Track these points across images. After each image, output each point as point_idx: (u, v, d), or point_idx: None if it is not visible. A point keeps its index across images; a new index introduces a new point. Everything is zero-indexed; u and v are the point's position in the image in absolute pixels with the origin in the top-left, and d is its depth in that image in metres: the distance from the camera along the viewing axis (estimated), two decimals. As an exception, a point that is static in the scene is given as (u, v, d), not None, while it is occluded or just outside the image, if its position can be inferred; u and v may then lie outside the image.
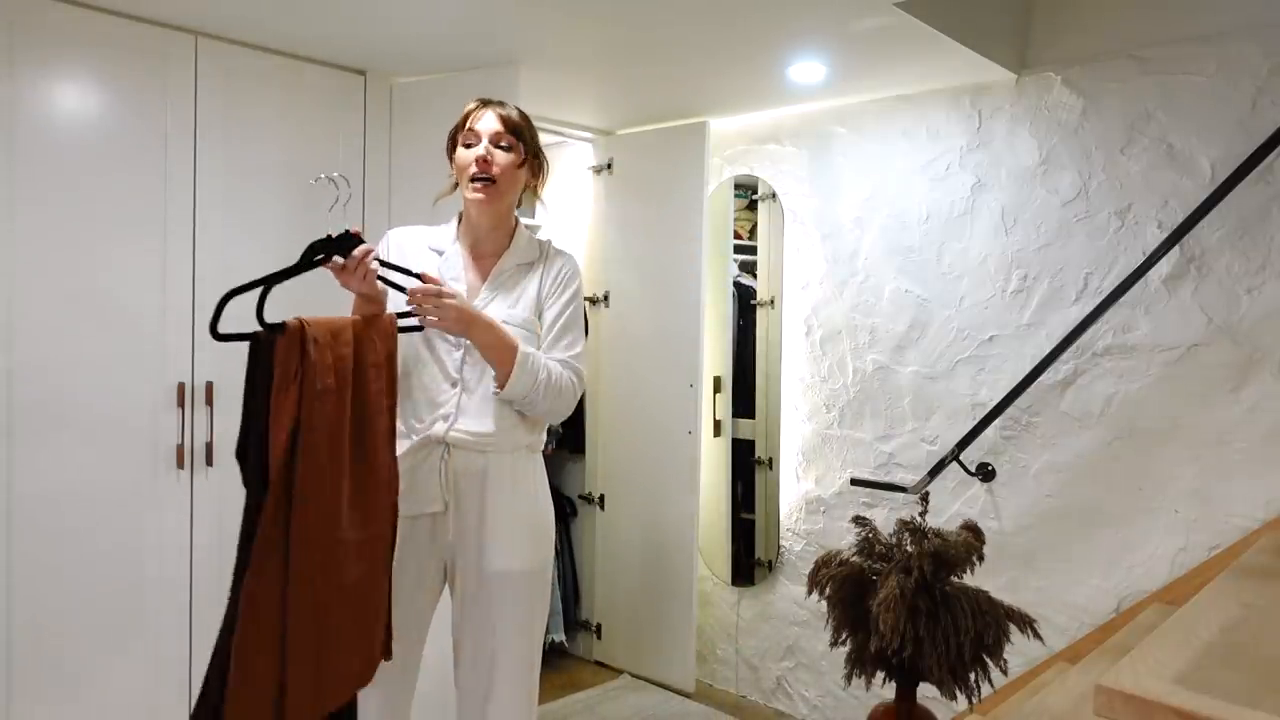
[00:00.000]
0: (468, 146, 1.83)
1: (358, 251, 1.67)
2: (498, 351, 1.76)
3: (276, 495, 1.47)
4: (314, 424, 1.52)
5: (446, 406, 1.81)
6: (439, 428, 1.80)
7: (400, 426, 1.81)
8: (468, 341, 1.80)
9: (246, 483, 1.50)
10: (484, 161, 1.80)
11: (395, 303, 1.78)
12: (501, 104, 1.86)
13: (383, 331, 1.70)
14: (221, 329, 1.55)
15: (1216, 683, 1.32)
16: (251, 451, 1.49)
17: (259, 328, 1.54)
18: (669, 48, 2.59)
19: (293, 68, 2.63)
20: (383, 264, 1.74)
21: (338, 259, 1.67)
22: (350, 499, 1.59)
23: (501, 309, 1.84)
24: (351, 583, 1.58)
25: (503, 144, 1.82)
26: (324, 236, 1.67)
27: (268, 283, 1.63)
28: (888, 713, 2.22)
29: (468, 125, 1.83)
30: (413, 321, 1.77)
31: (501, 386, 1.78)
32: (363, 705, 1.80)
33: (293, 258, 1.76)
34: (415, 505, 1.81)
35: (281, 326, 1.54)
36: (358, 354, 1.63)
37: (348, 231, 1.67)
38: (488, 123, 1.82)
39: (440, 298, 1.69)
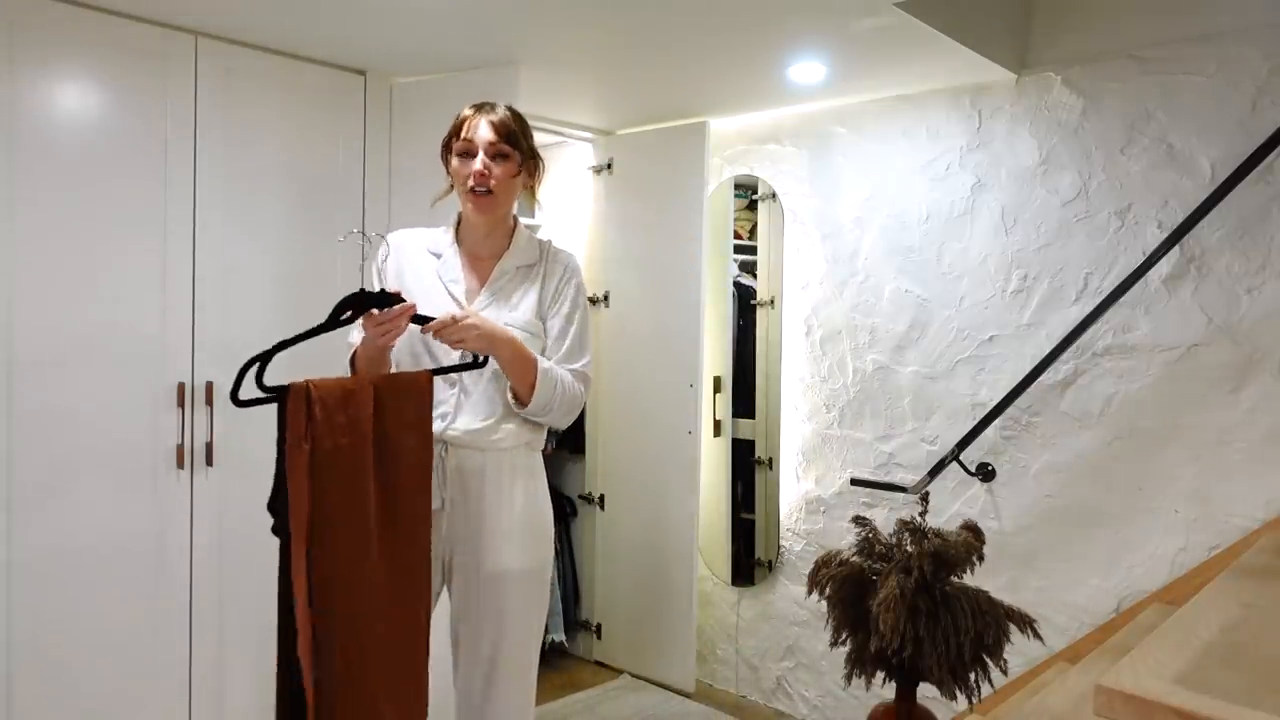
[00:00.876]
0: (463, 156, 1.82)
1: (400, 308, 1.66)
2: (519, 365, 1.77)
3: (304, 550, 1.50)
4: (327, 484, 1.54)
5: (445, 406, 1.82)
6: (436, 426, 1.80)
7: None
8: None
9: (276, 531, 1.52)
10: (481, 175, 1.80)
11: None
12: (494, 109, 1.84)
13: (416, 388, 1.70)
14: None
15: (1216, 683, 1.32)
16: (280, 505, 1.52)
17: (264, 388, 1.55)
18: (669, 48, 2.59)
19: (293, 68, 2.63)
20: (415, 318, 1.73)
21: (375, 311, 1.66)
22: (380, 555, 1.60)
23: (503, 312, 1.84)
24: (380, 635, 1.60)
25: (498, 153, 1.81)
26: (358, 291, 1.64)
27: (298, 340, 1.60)
28: (888, 713, 2.22)
29: (462, 134, 1.82)
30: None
31: (525, 401, 1.78)
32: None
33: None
34: None
35: (285, 389, 1.53)
36: (379, 414, 1.63)
37: (385, 292, 1.67)
38: (483, 133, 1.80)
39: (456, 324, 1.69)
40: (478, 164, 1.79)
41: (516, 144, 1.83)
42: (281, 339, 1.58)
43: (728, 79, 2.89)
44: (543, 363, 1.80)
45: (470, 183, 1.80)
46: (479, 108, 1.84)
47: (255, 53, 2.55)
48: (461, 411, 1.81)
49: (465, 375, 1.83)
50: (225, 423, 2.48)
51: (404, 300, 1.68)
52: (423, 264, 1.88)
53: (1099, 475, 2.57)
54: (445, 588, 1.89)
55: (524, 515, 1.86)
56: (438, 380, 1.83)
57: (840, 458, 3.15)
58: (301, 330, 1.62)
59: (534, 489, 1.90)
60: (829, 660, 3.07)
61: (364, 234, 1.80)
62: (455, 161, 1.84)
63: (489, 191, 1.81)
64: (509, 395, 1.82)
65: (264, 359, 1.54)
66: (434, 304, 1.82)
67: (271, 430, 1.52)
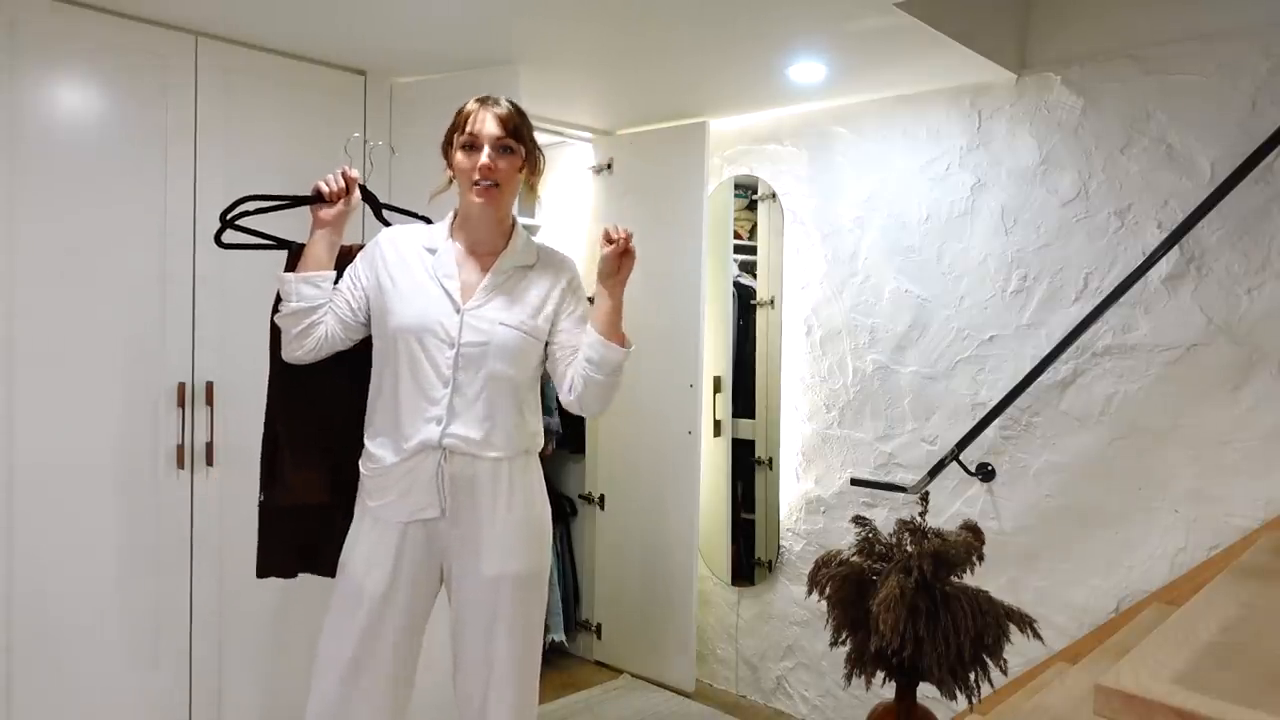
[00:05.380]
0: (467, 148, 1.80)
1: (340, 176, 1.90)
2: (619, 316, 1.85)
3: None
4: None
5: (438, 407, 1.79)
6: (432, 431, 1.78)
7: (394, 429, 1.81)
8: (461, 340, 1.79)
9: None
10: (488, 169, 1.78)
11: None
12: (498, 102, 1.83)
13: None
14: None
15: (1216, 683, 1.32)
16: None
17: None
18: (669, 48, 2.58)
19: (293, 68, 2.63)
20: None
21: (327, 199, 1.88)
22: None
23: (499, 311, 1.83)
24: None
25: (504, 147, 1.80)
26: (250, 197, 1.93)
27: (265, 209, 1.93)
28: (888, 713, 2.22)
29: (467, 128, 1.80)
30: None
31: (623, 345, 1.84)
32: (362, 709, 1.80)
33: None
34: (411, 510, 1.80)
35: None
36: None
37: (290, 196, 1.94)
38: (489, 127, 1.79)
39: (628, 245, 1.81)
40: (484, 158, 1.78)
41: (520, 138, 1.83)
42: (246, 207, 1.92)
43: (728, 79, 2.89)
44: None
45: (475, 176, 1.79)
46: (483, 101, 1.83)
47: (255, 53, 2.55)
48: (455, 416, 1.79)
49: (460, 378, 1.79)
50: (225, 423, 2.48)
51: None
52: (416, 259, 1.86)
53: (1099, 475, 2.57)
54: (445, 592, 1.89)
55: (522, 520, 1.85)
56: (429, 380, 1.80)
57: (840, 458, 3.15)
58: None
59: (532, 493, 1.89)
60: (829, 660, 3.07)
61: (366, 139, 1.94)
62: (459, 155, 1.81)
63: (494, 185, 1.80)
64: (600, 342, 1.82)
65: (235, 214, 1.92)
66: (427, 298, 1.82)
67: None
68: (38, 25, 2.18)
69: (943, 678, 2.02)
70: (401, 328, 1.80)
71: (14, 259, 2.16)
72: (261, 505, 2.00)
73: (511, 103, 1.85)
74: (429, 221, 2.02)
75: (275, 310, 1.89)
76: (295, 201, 1.91)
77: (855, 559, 2.25)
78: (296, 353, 1.86)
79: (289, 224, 2.03)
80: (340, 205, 1.89)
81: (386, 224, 2.03)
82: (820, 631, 2.92)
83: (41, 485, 2.21)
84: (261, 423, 1.99)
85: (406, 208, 2.15)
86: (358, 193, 1.94)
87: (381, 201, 2.11)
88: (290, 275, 1.86)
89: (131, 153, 2.34)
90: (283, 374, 1.95)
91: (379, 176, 2.79)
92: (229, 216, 1.93)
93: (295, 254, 1.94)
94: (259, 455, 1.99)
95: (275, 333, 1.92)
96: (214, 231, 1.94)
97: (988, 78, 2.75)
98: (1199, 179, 2.41)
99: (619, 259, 1.81)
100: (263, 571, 2.03)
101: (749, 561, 3.48)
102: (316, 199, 1.88)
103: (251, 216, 1.95)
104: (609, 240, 1.81)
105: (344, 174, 1.90)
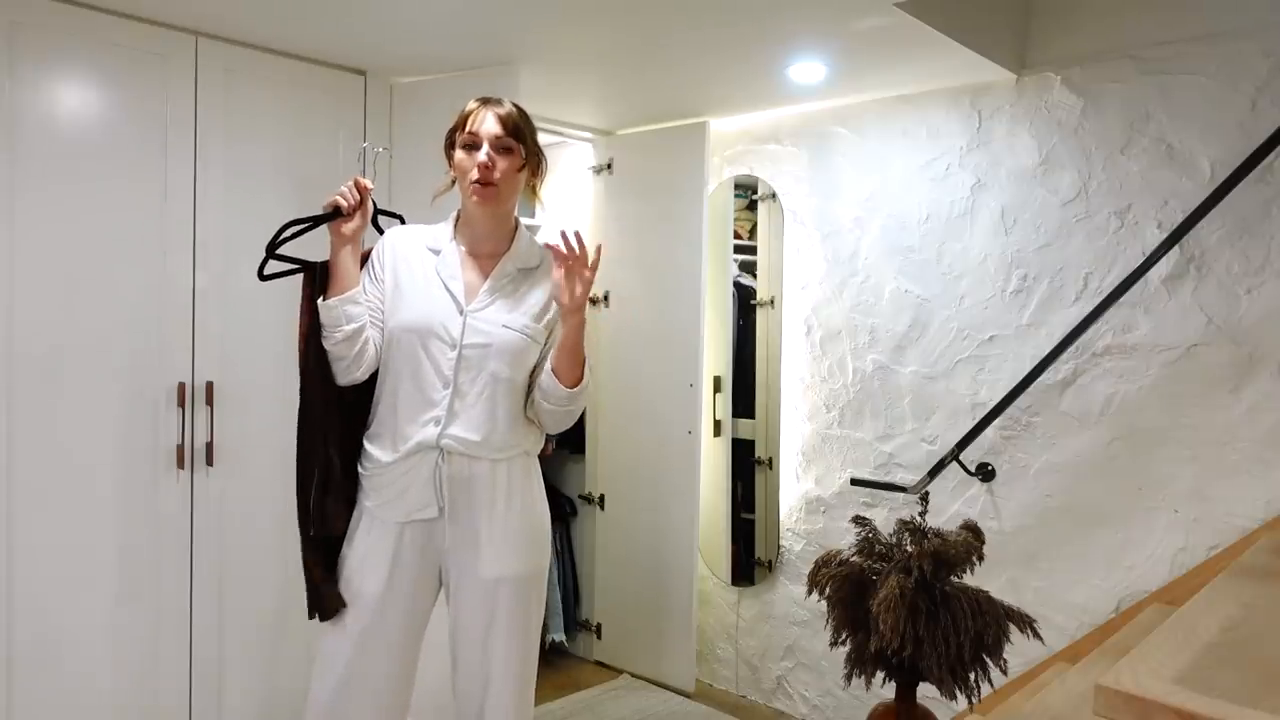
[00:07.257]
0: (468, 148, 1.79)
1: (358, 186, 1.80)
2: (578, 351, 1.79)
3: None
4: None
5: (438, 409, 1.78)
6: (430, 432, 1.78)
7: (392, 429, 1.81)
8: (464, 342, 1.79)
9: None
10: (486, 167, 1.77)
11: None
12: (500, 103, 1.82)
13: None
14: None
15: (1216, 683, 1.32)
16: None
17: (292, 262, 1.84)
18: (669, 48, 2.59)
19: (293, 68, 2.63)
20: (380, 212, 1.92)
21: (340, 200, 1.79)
22: None
23: (501, 313, 1.82)
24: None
25: (503, 147, 1.79)
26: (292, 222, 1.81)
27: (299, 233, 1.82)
28: (888, 713, 2.22)
29: (467, 127, 1.80)
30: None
31: (574, 384, 1.80)
32: (361, 710, 1.80)
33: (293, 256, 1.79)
34: (409, 511, 1.80)
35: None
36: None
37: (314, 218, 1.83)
38: (488, 125, 1.78)
39: (587, 273, 1.73)
40: (482, 156, 1.77)
41: (521, 139, 1.82)
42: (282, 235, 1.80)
43: (728, 79, 2.89)
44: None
45: (474, 174, 1.78)
46: (484, 101, 1.82)
47: (255, 53, 2.55)
48: (455, 417, 1.78)
49: (461, 379, 1.78)
50: (225, 423, 2.48)
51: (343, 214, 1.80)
52: (420, 260, 1.86)
53: (1099, 475, 2.57)
54: (443, 593, 1.89)
55: (522, 521, 1.85)
56: (429, 380, 1.79)
57: (840, 458, 3.15)
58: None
59: (531, 494, 1.88)
60: (829, 660, 3.07)
61: (365, 147, 1.88)
62: (459, 154, 1.81)
63: (492, 185, 1.78)
64: (549, 374, 1.80)
65: (279, 242, 1.79)
66: (430, 299, 1.81)
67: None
68: (38, 25, 2.18)
69: (943, 678, 2.02)
70: (404, 328, 1.80)
71: (13, 258, 2.16)
72: (315, 540, 1.85)
73: (515, 105, 1.84)
74: (402, 220, 2.01)
75: (310, 336, 1.80)
76: (317, 220, 1.81)
77: (855, 559, 2.24)
78: (355, 373, 1.81)
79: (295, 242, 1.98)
80: (358, 218, 1.81)
81: (380, 230, 2.00)
82: (820, 631, 2.92)
83: (41, 485, 2.21)
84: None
85: (392, 209, 2.09)
86: (370, 201, 1.87)
87: (378, 207, 2.08)
88: (333, 301, 1.76)
89: (132, 152, 2.34)
90: (324, 397, 1.82)
91: (379, 179, 2.79)
92: (274, 247, 1.80)
93: (313, 274, 1.84)
94: (295, 491, 1.84)
95: (308, 357, 1.81)
96: (258, 265, 1.81)
97: (988, 78, 2.75)
98: (1199, 179, 2.41)
99: (567, 266, 1.73)
100: (327, 613, 1.83)
101: (749, 561, 3.48)
102: (337, 214, 1.80)
103: (285, 243, 1.83)
104: (567, 247, 1.72)
105: (357, 184, 1.81)
